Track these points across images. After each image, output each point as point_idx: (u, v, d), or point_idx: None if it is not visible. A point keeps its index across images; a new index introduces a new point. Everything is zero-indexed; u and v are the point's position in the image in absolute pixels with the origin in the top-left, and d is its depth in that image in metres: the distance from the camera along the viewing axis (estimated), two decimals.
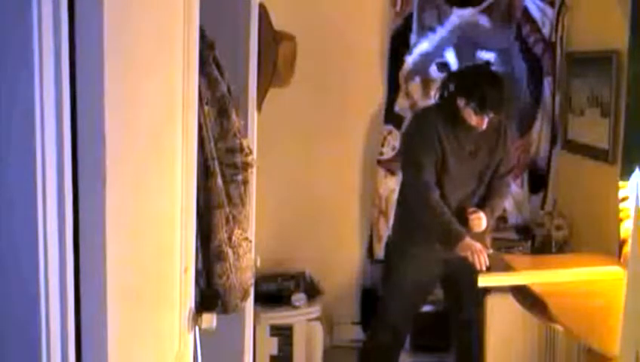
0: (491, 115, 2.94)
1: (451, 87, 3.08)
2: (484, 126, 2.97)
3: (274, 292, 3.56)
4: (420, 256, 3.18)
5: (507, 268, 3.06)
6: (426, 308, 3.64)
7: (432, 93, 3.81)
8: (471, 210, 3.08)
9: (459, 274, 3.14)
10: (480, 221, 3.06)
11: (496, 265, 3.07)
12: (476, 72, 3.14)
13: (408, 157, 3.20)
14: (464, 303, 3.30)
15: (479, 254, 2.90)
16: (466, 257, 2.93)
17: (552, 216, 3.76)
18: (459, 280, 3.20)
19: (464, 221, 3.05)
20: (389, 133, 3.87)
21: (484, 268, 2.91)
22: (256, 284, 2.51)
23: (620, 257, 3.00)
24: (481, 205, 3.13)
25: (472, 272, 2.91)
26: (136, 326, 1.17)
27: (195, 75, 1.55)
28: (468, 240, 2.95)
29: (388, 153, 3.88)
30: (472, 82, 2.99)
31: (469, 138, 3.05)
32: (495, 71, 3.25)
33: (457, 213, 3.05)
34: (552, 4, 3.86)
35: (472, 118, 2.95)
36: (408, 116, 3.86)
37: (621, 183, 3.06)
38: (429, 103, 3.59)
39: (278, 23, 3.08)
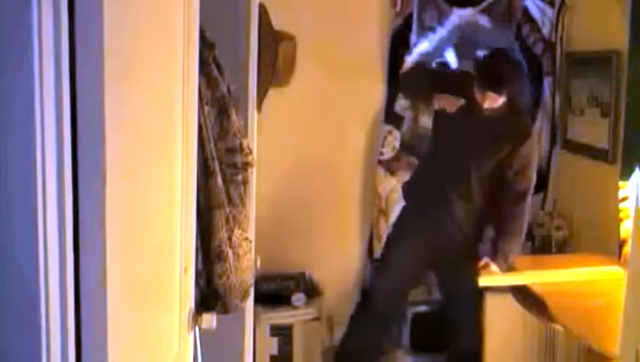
0: (491, 93, 2.92)
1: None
2: (485, 105, 2.94)
3: (274, 292, 3.56)
4: (410, 238, 3.21)
5: (507, 268, 3.06)
6: (426, 308, 3.65)
7: None
8: (481, 263, 3.01)
9: (454, 273, 3.15)
10: (489, 269, 3.00)
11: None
12: (493, 54, 3.14)
13: None
14: (461, 303, 3.31)
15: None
16: (462, 257, 2.96)
17: (552, 216, 3.76)
18: (455, 279, 3.21)
19: (475, 270, 3.01)
20: (389, 133, 3.87)
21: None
22: (256, 284, 2.51)
23: (619, 257, 3.01)
24: (494, 249, 3.06)
25: (469, 271, 2.93)
26: (136, 326, 1.17)
27: (195, 75, 1.55)
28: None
29: (388, 153, 3.88)
30: (483, 60, 3.05)
31: (479, 118, 3.03)
32: (512, 56, 3.27)
33: (463, 259, 3.06)
34: (552, 4, 3.86)
35: (477, 95, 2.97)
36: (408, 116, 3.87)
37: (621, 183, 3.06)
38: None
39: (278, 23, 3.08)
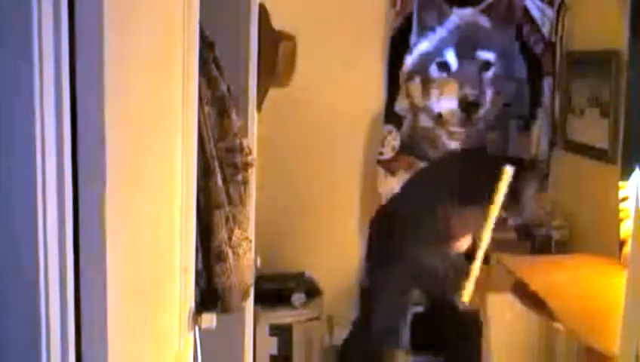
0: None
1: None
2: None
3: (274, 292, 3.56)
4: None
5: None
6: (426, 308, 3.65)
7: (432, 92, 3.84)
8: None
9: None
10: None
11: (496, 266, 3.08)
12: None
13: None
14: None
15: None
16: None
17: (552, 216, 3.76)
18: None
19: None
20: (389, 133, 3.87)
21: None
22: (256, 284, 2.51)
23: (620, 257, 3.00)
24: None
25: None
26: (136, 326, 1.17)
27: (195, 75, 1.55)
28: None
29: (388, 153, 3.88)
30: None
31: None
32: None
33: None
34: (552, 4, 3.86)
35: None
36: (408, 116, 3.87)
37: (621, 183, 3.06)
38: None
39: (278, 23, 3.07)
